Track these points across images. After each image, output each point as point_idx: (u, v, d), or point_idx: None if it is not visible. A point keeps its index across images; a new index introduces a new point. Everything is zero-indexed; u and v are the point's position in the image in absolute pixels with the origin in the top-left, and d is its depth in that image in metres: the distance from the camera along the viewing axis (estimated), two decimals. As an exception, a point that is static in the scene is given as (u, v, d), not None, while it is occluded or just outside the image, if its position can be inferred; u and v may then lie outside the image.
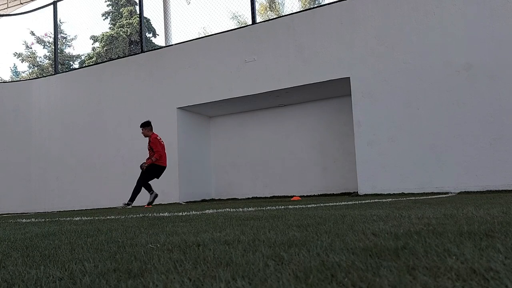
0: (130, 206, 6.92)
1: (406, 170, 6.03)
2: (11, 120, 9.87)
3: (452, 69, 5.85)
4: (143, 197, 8.21)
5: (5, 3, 15.67)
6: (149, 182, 6.96)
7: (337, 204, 3.90)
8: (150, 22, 21.04)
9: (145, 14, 10.22)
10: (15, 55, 24.62)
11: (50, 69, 23.30)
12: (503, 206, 2.56)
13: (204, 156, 8.94)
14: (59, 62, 13.68)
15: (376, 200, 4.20)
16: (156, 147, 6.86)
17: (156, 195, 6.92)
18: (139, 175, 6.93)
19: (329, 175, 7.85)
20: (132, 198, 6.87)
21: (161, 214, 3.75)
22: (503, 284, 0.78)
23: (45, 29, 22.42)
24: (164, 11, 11.11)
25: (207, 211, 3.78)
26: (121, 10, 24.03)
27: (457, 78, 5.82)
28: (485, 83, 5.65)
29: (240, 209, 3.68)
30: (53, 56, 18.67)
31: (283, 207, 3.72)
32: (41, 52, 25.56)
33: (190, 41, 8.22)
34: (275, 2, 18.78)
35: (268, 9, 18.96)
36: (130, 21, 23.17)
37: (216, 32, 8.06)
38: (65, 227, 2.83)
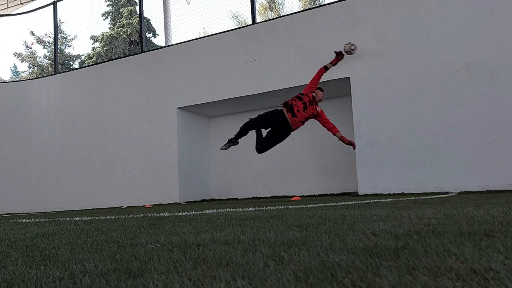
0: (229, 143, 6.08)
1: (406, 170, 6.02)
2: (11, 120, 9.87)
3: (452, 69, 5.85)
4: (145, 196, 8.21)
5: (5, 3, 15.66)
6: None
7: (337, 204, 3.90)
8: (150, 22, 21.04)
9: (145, 14, 10.22)
10: (15, 55, 24.62)
11: (50, 69, 23.29)
12: (503, 206, 2.56)
13: (204, 156, 8.94)
14: (59, 62, 13.68)
15: (376, 200, 4.20)
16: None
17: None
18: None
19: (329, 175, 7.84)
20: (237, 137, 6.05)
21: (161, 214, 3.75)
22: (503, 284, 0.78)
23: (45, 29, 22.42)
24: (164, 11, 11.11)
25: (207, 211, 3.78)
26: (121, 10, 24.01)
27: (457, 78, 5.81)
28: (485, 83, 5.64)
29: (240, 209, 3.68)
30: (53, 56, 18.67)
31: (283, 207, 3.72)
32: (41, 52, 25.57)
33: (190, 41, 8.21)
34: (275, 2, 18.77)
35: (268, 9, 18.95)
36: (130, 21, 23.16)
37: (216, 32, 8.05)
38: (65, 227, 2.83)
